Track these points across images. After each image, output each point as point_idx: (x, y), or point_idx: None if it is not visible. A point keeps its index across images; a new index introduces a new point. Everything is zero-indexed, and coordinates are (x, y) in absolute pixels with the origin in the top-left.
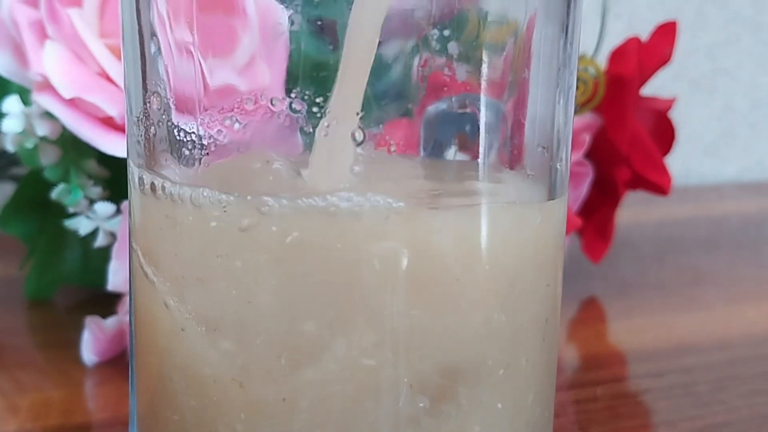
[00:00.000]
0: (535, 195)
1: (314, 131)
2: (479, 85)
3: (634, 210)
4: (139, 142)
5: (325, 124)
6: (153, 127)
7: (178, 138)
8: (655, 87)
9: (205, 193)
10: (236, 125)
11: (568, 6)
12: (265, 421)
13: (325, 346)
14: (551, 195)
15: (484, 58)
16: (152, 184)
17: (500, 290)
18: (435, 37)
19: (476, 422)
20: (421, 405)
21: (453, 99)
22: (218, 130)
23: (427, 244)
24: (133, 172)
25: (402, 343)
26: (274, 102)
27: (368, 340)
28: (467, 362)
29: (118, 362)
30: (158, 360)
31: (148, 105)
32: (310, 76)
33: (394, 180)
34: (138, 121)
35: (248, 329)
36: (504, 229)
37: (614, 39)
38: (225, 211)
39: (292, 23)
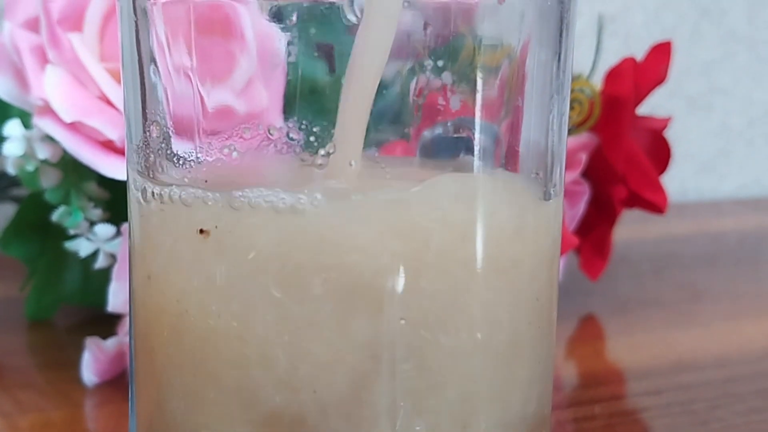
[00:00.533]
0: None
1: (312, 159)
2: (474, 111)
3: (631, 227)
4: (140, 171)
5: (322, 152)
6: (153, 155)
7: (177, 166)
8: (651, 105)
9: (187, 191)
10: (234, 153)
11: (560, 33)
12: None
13: (320, 339)
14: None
15: (479, 84)
16: (144, 189)
17: (490, 302)
18: (430, 66)
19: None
20: (418, 428)
21: (448, 124)
22: (217, 158)
23: (418, 243)
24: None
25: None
26: (271, 131)
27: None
28: (460, 366)
29: (118, 383)
30: (158, 375)
31: (147, 133)
32: (309, 102)
33: (386, 179)
34: (138, 148)
35: (245, 338)
36: (496, 235)
37: (611, 57)
38: (207, 206)
39: (289, 54)
